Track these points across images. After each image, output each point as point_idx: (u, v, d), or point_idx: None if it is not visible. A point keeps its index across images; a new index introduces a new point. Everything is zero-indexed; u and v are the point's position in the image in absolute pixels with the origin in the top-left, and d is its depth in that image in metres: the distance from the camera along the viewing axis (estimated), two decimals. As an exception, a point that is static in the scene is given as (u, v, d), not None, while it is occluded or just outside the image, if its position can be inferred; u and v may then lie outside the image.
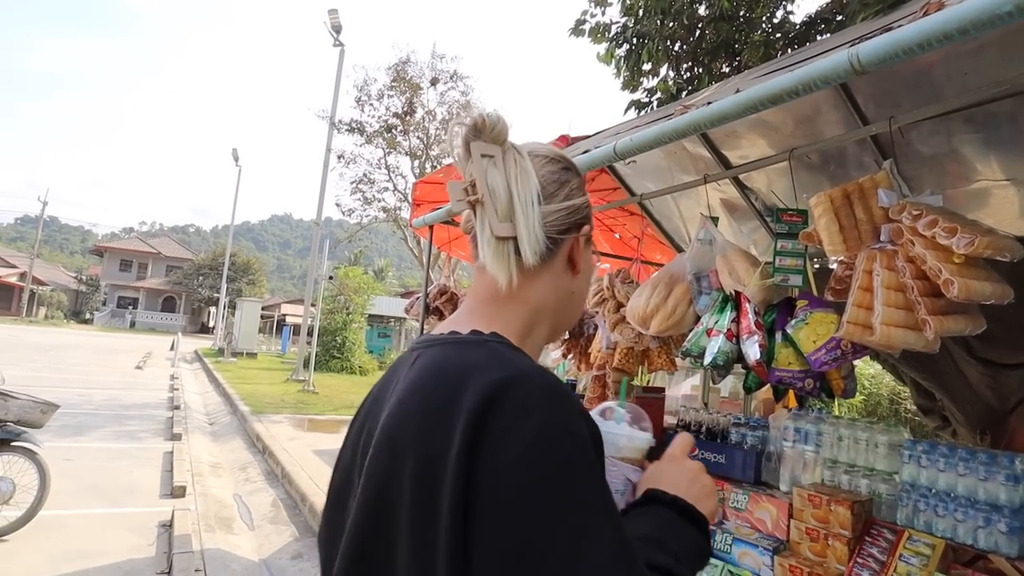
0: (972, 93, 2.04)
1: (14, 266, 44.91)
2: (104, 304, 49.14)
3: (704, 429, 2.89)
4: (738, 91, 1.48)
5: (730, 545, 2.37)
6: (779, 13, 4.68)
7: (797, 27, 4.30)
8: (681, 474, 0.82)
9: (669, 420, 3.26)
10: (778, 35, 4.31)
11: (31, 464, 4.34)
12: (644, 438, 0.87)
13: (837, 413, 7.20)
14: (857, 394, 8.58)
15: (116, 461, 6.94)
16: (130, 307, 48.53)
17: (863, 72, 1.21)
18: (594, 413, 0.88)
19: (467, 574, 0.59)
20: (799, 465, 2.47)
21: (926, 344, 1.42)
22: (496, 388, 0.65)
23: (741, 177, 3.17)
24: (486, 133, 0.81)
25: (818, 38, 4.02)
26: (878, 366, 5.94)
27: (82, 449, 7.39)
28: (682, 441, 0.88)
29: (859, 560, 2.05)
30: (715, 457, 2.77)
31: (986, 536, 1.87)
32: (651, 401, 3.19)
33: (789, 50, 4.13)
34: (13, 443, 4.27)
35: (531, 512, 0.59)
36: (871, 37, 1.22)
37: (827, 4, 4.41)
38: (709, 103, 1.56)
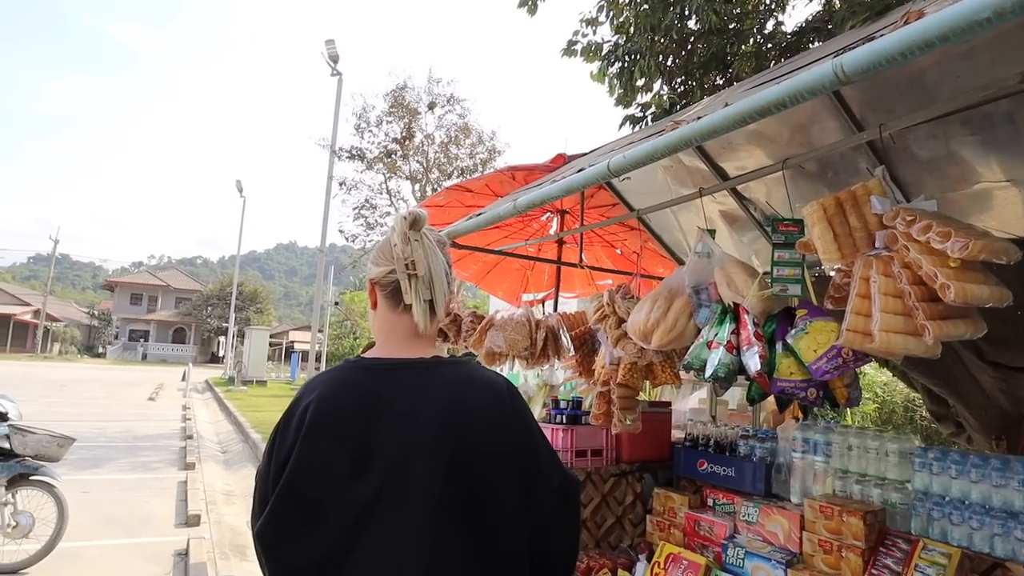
0: (965, 95, 2.04)
1: (28, 304, 45.39)
2: (116, 338, 49.50)
3: (712, 442, 2.87)
4: (727, 105, 1.50)
5: (742, 559, 2.33)
6: (770, 24, 4.72)
7: (788, 37, 4.33)
8: None
9: (677, 434, 3.23)
10: (770, 45, 4.34)
11: (49, 497, 4.40)
12: None
13: (849, 422, 7.09)
14: (871, 402, 8.36)
15: (131, 492, 6.97)
16: (141, 340, 48.85)
17: (848, 82, 1.22)
18: None
19: (535, 451, 1.20)
20: (809, 476, 2.44)
21: (926, 350, 1.41)
22: (507, 383, 1.23)
23: (739, 188, 3.18)
24: (418, 225, 1.20)
25: (810, 46, 4.04)
26: (891, 374, 5.86)
27: (98, 481, 7.44)
28: None
29: (874, 571, 2.01)
30: (724, 470, 2.74)
31: (1003, 544, 1.83)
32: (657, 416, 3.17)
33: (782, 59, 4.16)
34: (31, 477, 4.33)
35: (538, 430, 1.25)
36: (855, 47, 1.23)
37: (817, 13, 4.44)
38: (699, 118, 1.57)
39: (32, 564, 4.30)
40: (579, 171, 2.10)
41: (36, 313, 44.08)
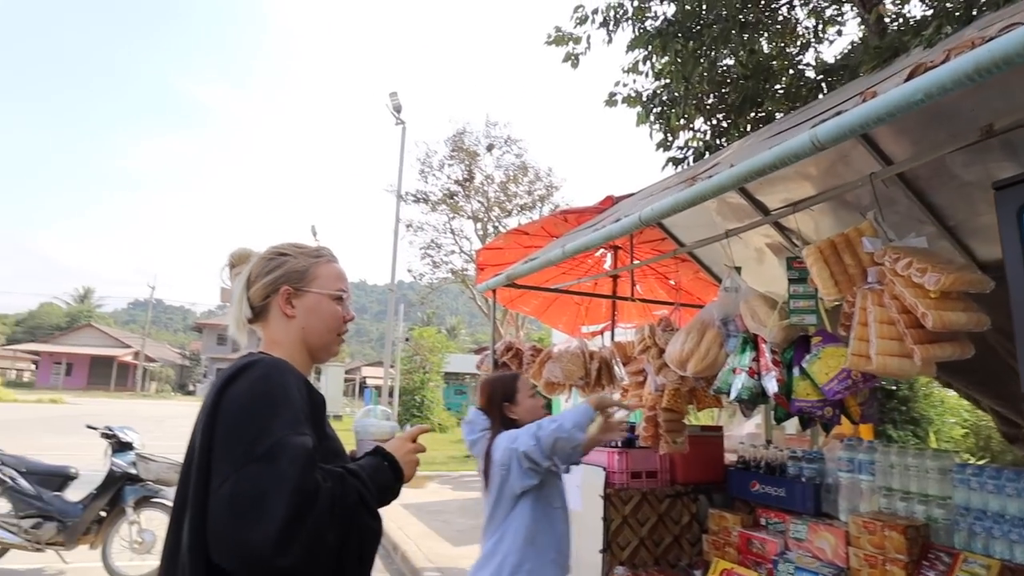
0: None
1: (128, 346, 49.52)
2: (205, 376, 52.76)
3: (763, 464, 3.01)
4: (732, 165, 1.76)
5: (792, 574, 2.46)
6: (805, 58, 4.89)
7: (816, 77, 4.50)
8: (400, 446, 1.29)
9: (730, 457, 3.37)
10: (801, 83, 4.51)
11: (168, 518, 4.93)
12: (388, 426, 1.37)
13: (934, 445, 6.80)
14: (958, 427, 7.94)
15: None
16: (228, 378, 51.68)
17: (823, 147, 1.47)
18: (359, 413, 1.41)
19: (217, 438, 1.07)
20: (856, 494, 2.55)
21: (918, 370, 1.59)
22: (238, 364, 1.16)
23: (782, 221, 3.35)
24: (235, 262, 1.35)
25: (838, 84, 4.19)
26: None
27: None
28: (414, 429, 1.36)
29: (917, 583, 2.11)
30: (775, 491, 2.87)
31: (1041, 555, 1.91)
32: (709, 440, 3.34)
33: (819, 95, 4.32)
34: (153, 499, 4.92)
35: (243, 414, 1.08)
36: (825, 119, 1.48)
37: (845, 50, 4.59)
38: (710, 176, 1.84)
39: (153, 578, 4.85)
40: (616, 221, 2.39)
41: (136, 354, 47.93)
